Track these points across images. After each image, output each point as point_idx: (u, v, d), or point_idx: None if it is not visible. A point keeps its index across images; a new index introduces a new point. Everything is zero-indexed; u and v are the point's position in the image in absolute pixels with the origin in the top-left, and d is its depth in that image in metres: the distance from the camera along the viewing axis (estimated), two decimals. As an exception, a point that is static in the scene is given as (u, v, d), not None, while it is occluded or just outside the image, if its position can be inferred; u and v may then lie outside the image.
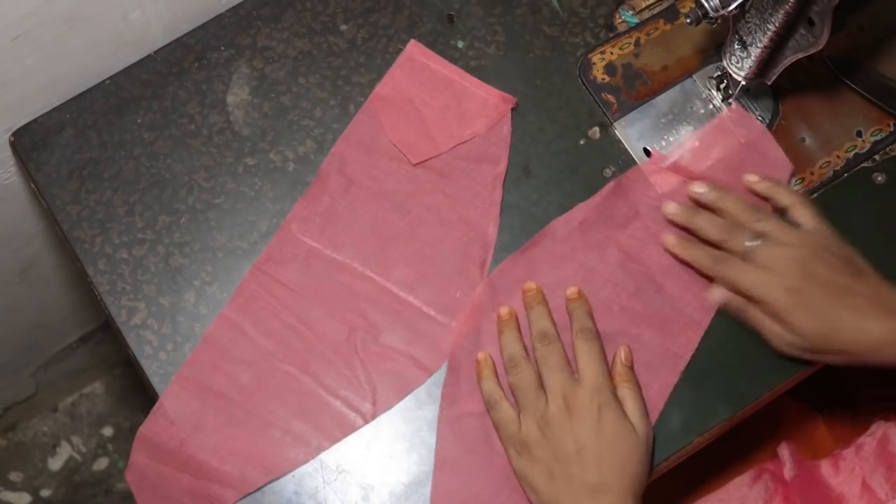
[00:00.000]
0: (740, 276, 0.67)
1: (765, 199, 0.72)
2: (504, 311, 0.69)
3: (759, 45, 0.67)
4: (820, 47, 0.63)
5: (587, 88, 0.76)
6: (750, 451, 0.88)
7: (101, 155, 0.74)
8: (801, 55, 0.66)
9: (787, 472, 0.84)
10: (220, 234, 0.73)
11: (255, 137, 0.75)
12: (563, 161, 0.74)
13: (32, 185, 0.74)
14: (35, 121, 0.75)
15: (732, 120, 0.74)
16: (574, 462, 0.63)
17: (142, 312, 0.71)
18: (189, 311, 0.71)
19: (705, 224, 0.70)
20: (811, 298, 0.65)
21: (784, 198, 0.70)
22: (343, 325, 0.70)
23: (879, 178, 0.75)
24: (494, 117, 0.74)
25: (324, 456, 0.68)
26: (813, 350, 0.67)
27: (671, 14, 0.78)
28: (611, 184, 0.73)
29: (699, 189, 0.71)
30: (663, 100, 0.76)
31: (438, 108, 0.74)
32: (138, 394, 1.42)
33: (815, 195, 0.74)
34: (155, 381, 0.69)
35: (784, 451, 0.86)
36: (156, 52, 0.76)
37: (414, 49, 0.76)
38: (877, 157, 0.76)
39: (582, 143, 0.75)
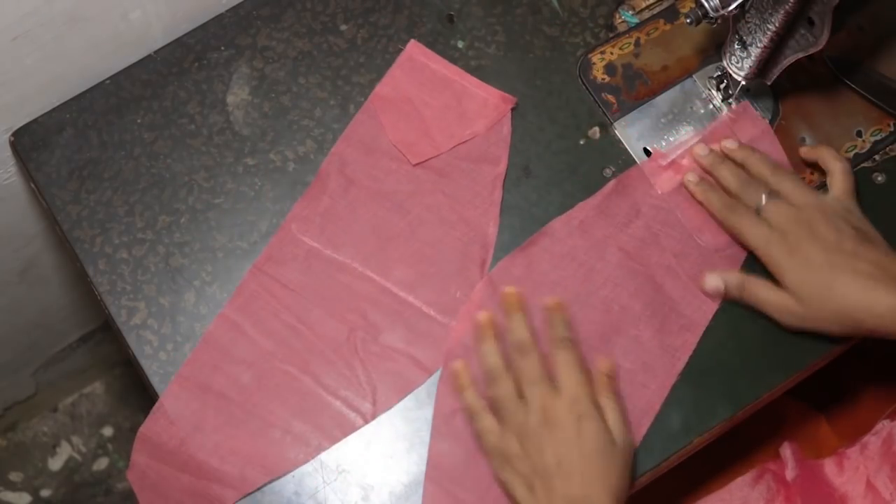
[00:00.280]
0: (747, 227, 0.68)
1: (812, 162, 0.73)
2: (482, 317, 0.68)
3: (759, 45, 0.67)
4: (820, 47, 0.63)
5: (587, 88, 0.76)
6: (751, 452, 0.88)
7: (101, 155, 0.74)
8: (801, 55, 0.66)
9: (790, 472, 0.84)
10: (220, 234, 0.73)
11: (255, 137, 0.75)
12: (563, 161, 0.74)
13: (32, 185, 0.74)
14: (35, 121, 0.75)
15: (737, 116, 0.74)
16: (555, 475, 0.62)
17: (142, 312, 0.71)
18: (189, 311, 0.71)
19: (727, 174, 0.71)
20: (812, 259, 0.65)
21: (829, 162, 0.71)
22: (343, 325, 0.70)
23: (879, 178, 0.75)
24: (494, 117, 0.74)
25: (324, 456, 0.68)
26: (813, 317, 0.66)
27: (671, 14, 0.78)
28: (611, 183, 0.73)
29: (729, 145, 0.73)
30: (663, 100, 0.76)
31: (438, 108, 0.74)
32: (138, 394, 1.42)
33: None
34: (155, 381, 0.69)
35: (786, 450, 0.86)
36: (156, 52, 0.76)
37: (414, 49, 0.76)
38: (877, 157, 0.76)
39: (582, 143, 0.75)
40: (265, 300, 0.71)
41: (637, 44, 0.77)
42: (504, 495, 0.66)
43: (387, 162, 0.74)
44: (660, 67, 0.77)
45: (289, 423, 0.68)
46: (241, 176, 0.74)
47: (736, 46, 0.69)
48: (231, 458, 0.67)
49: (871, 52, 0.76)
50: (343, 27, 0.77)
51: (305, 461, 0.67)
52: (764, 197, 0.69)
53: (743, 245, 0.70)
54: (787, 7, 0.62)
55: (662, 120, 0.76)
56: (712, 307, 0.70)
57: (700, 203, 0.72)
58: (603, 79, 0.76)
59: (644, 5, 0.78)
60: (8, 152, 0.76)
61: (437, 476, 0.67)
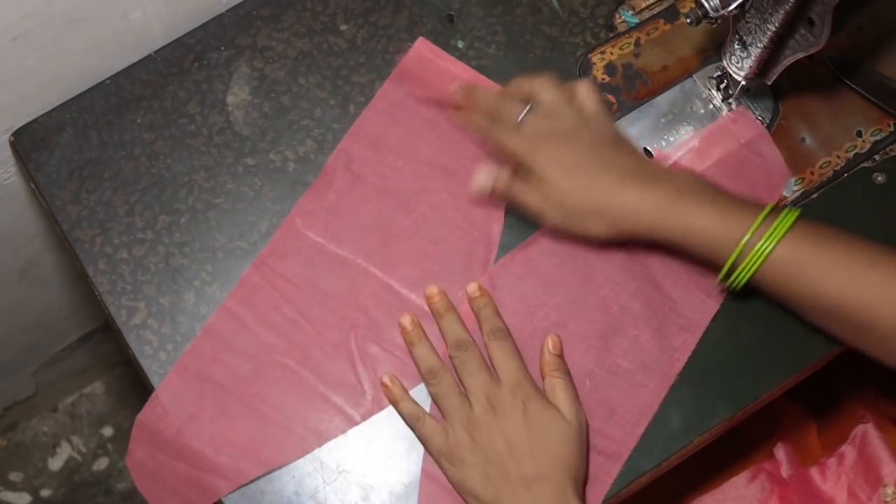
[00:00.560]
0: (508, 139, 0.68)
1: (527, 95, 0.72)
2: (406, 321, 0.69)
3: (759, 45, 0.67)
4: (820, 47, 0.63)
5: (587, 88, 0.76)
6: (747, 452, 0.88)
7: (101, 155, 0.74)
8: (801, 55, 0.66)
9: (784, 471, 0.85)
10: (220, 234, 0.73)
11: (255, 137, 0.75)
12: (563, 161, 0.74)
13: (32, 185, 0.74)
14: (35, 121, 0.75)
15: (734, 119, 0.74)
16: (507, 459, 0.63)
17: (142, 312, 0.71)
18: (189, 311, 0.71)
19: (483, 94, 0.72)
20: (573, 161, 0.66)
21: (571, 87, 0.70)
22: (344, 322, 0.70)
23: (879, 178, 0.75)
24: None
25: (324, 456, 0.68)
26: (575, 214, 0.66)
27: (671, 14, 0.78)
28: None
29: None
30: (663, 100, 0.76)
31: (446, 104, 0.74)
32: (138, 394, 1.42)
33: (815, 195, 0.74)
34: (155, 381, 0.69)
35: (780, 451, 0.86)
36: (156, 52, 0.76)
37: (422, 46, 0.76)
38: (877, 157, 0.76)
39: (582, 143, 0.75)
40: (267, 293, 0.71)
41: (637, 44, 0.77)
42: (464, 501, 0.66)
43: (393, 159, 0.74)
44: (660, 67, 0.77)
45: (286, 417, 0.68)
46: (241, 176, 0.74)
47: (736, 46, 0.69)
48: (226, 449, 0.67)
49: (871, 52, 0.76)
50: (343, 27, 0.77)
51: (301, 455, 0.67)
52: (520, 108, 0.69)
53: (504, 158, 0.69)
54: (787, 7, 0.62)
55: (662, 120, 0.76)
56: (713, 308, 0.70)
57: (464, 129, 0.73)
58: (603, 79, 0.76)
59: (644, 5, 0.78)
60: (8, 152, 0.76)
61: (434, 471, 0.67)
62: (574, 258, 0.71)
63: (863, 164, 0.75)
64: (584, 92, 0.69)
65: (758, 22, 0.66)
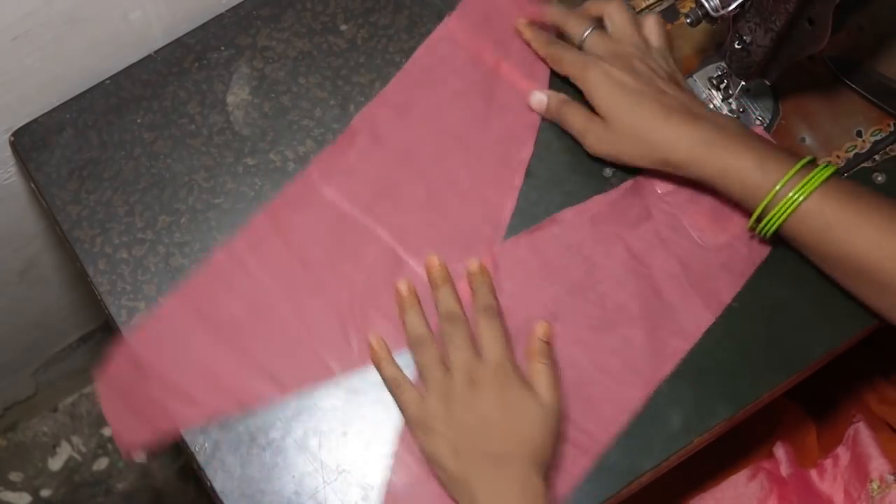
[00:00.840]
0: (566, 55, 0.71)
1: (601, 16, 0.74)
2: (403, 287, 0.69)
3: (759, 45, 0.67)
4: (820, 47, 0.63)
5: (587, 88, 0.76)
6: (747, 451, 0.88)
7: (101, 155, 0.74)
8: (801, 55, 0.66)
9: (784, 470, 0.85)
10: (220, 234, 0.73)
11: (255, 137, 0.75)
12: (563, 161, 0.74)
13: (32, 185, 0.74)
14: (35, 121, 0.75)
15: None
16: (477, 435, 0.63)
17: (142, 312, 0.71)
18: (189, 311, 0.71)
19: (554, 10, 0.75)
20: (625, 82, 0.68)
21: (640, 18, 0.73)
22: (344, 280, 0.71)
23: (879, 178, 0.75)
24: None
25: (324, 456, 0.68)
26: (619, 143, 0.69)
27: (671, 14, 0.78)
28: (629, 181, 0.73)
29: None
30: (663, 100, 0.76)
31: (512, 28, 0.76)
32: (138, 394, 1.42)
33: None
34: (155, 381, 0.69)
35: (780, 450, 0.86)
36: (156, 52, 0.76)
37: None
38: (877, 157, 0.76)
39: (582, 143, 0.75)
40: (273, 241, 0.71)
41: (637, 44, 0.77)
42: (432, 473, 0.66)
43: (417, 127, 0.74)
44: (660, 67, 0.77)
45: (270, 362, 0.69)
46: (241, 176, 0.74)
47: (736, 46, 0.69)
48: (203, 383, 0.68)
49: (871, 52, 0.76)
50: (343, 27, 0.77)
51: (275, 401, 0.68)
52: (588, 31, 0.72)
53: (562, 74, 0.73)
54: (787, 7, 0.62)
55: (662, 120, 0.76)
56: (709, 319, 0.70)
57: (528, 44, 0.75)
58: (603, 79, 0.76)
59: (644, 5, 0.78)
60: (8, 152, 0.76)
61: (411, 441, 0.67)
62: (579, 251, 0.72)
63: (863, 164, 0.75)
64: (652, 25, 0.72)
65: (758, 22, 0.66)
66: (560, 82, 0.74)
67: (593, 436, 0.68)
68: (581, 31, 0.72)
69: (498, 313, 0.68)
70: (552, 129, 0.75)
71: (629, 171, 0.74)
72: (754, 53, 0.68)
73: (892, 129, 0.76)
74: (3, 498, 1.39)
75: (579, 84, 0.71)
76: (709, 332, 0.70)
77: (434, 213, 0.72)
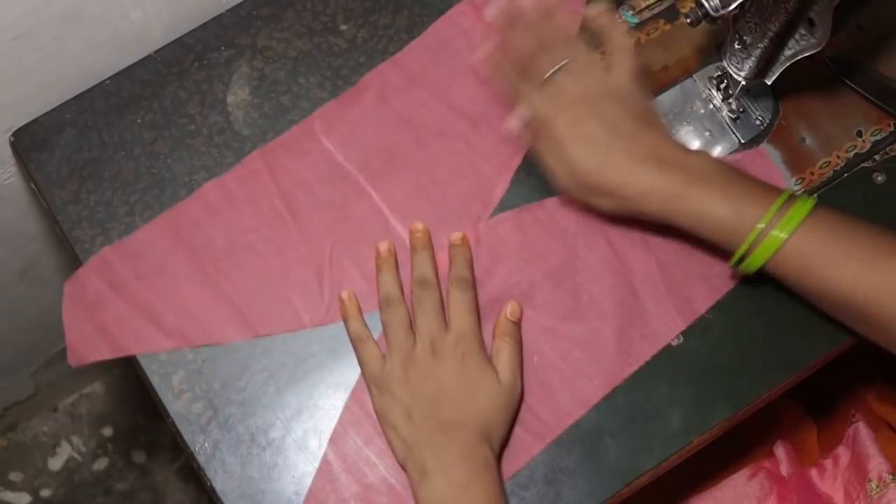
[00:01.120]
0: (532, 97, 0.68)
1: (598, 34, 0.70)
2: (383, 247, 0.70)
3: (759, 45, 0.67)
4: (820, 47, 0.63)
5: (587, 88, 0.76)
6: (747, 450, 0.88)
7: (101, 155, 0.74)
8: (801, 55, 0.66)
9: (784, 469, 0.85)
10: (220, 234, 0.73)
11: (255, 137, 0.75)
12: (563, 161, 0.74)
13: (32, 185, 0.74)
14: (35, 121, 0.75)
15: (751, 160, 0.74)
16: (431, 402, 0.64)
17: (142, 312, 0.71)
18: (189, 310, 0.71)
19: (518, 37, 0.69)
20: (592, 133, 0.65)
21: (616, 38, 0.68)
22: (327, 232, 0.71)
23: (879, 178, 0.75)
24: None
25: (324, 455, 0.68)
26: (587, 187, 0.66)
27: (671, 14, 0.78)
28: None
29: (526, 2, 0.70)
30: (663, 100, 0.76)
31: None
32: (138, 394, 1.42)
33: (816, 195, 0.74)
34: (155, 380, 0.69)
35: (780, 449, 0.86)
36: (156, 52, 0.76)
37: None
38: (877, 157, 0.76)
39: (582, 143, 0.75)
40: (265, 180, 0.72)
41: (637, 44, 0.77)
42: (381, 429, 0.67)
43: (425, 96, 0.75)
44: (660, 67, 0.77)
45: (242, 300, 0.70)
46: (241, 176, 0.74)
47: (736, 46, 0.69)
48: (176, 310, 0.69)
49: (871, 52, 0.76)
50: (343, 27, 0.77)
51: (241, 339, 0.69)
52: (550, 66, 0.68)
53: (525, 115, 0.68)
54: (787, 7, 0.62)
55: (663, 120, 0.75)
56: (680, 325, 0.70)
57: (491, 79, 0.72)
58: (603, 79, 0.76)
59: (644, 5, 0.78)
60: (8, 152, 0.76)
61: (362, 396, 0.68)
62: (562, 238, 0.72)
63: (863, 164, 0.75)
64: (621, 56, 0.68)
65: (758, 22, 0.66)
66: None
67: (547, 423, 0.68)
68: (543, 70, 0.68)
69: (471, 287, 0.68)
70: (552, 129, 0.75)
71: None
72: (754, 53, 0.68)
73: (892, 129, 0.76)
74: (3, 498, 1.39)
75: (544, 130, 0.67)
76: (709, 332, 0.70)
77: (427, 180, 0.73)
